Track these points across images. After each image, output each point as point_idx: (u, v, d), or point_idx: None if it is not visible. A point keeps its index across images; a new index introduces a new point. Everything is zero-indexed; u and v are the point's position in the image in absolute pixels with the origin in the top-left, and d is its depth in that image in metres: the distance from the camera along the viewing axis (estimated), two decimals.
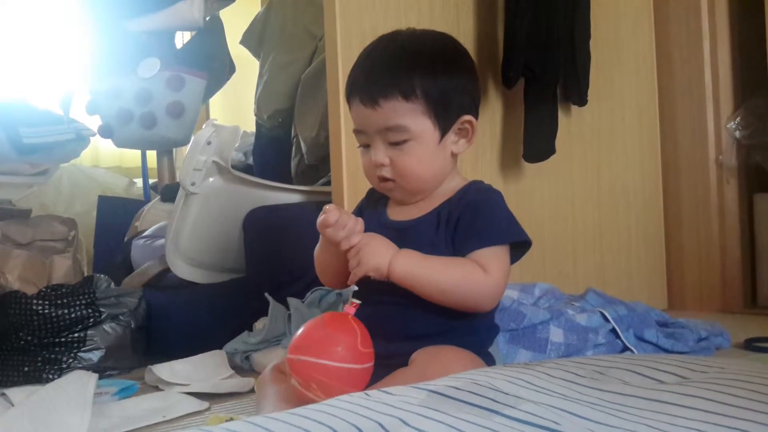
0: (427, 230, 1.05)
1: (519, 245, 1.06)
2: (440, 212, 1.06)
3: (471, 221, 1.03)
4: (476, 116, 1.09)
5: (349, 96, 1.07)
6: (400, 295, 1.00)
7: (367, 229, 1.09)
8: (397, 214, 1.10)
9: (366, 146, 1.07)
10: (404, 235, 1.05)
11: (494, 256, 1.02)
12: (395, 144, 1.03)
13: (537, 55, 1.86)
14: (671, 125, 2.34)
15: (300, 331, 0.98)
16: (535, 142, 1.92)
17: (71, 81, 2.61)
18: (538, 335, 1.41)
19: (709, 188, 2.26)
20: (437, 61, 1.05)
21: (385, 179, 1.06)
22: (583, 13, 1.99)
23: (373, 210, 1.13)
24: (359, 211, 1.16)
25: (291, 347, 0.96)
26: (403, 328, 1.03)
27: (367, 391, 0.78)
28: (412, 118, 1.02)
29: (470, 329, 1.05)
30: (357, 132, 1.08)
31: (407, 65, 1.03)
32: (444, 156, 1.07)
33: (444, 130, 1.05)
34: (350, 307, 0.98)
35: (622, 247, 2.23)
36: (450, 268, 1.00)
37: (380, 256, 0.98)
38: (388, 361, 0.98)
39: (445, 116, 1.04)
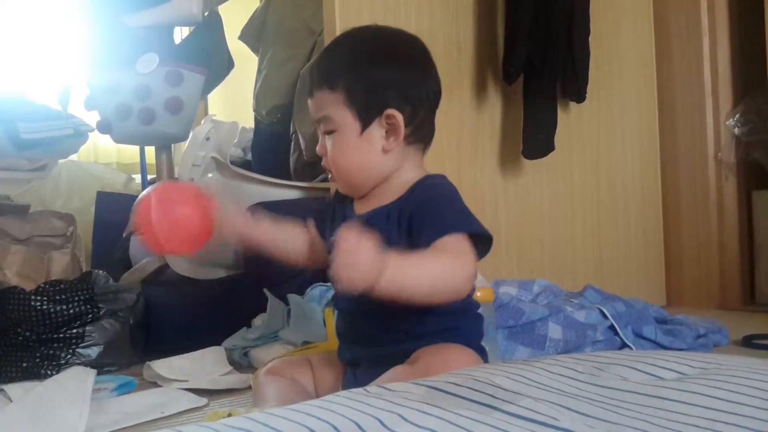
0: (380, 225, 1.00)
1: (481, 241, 1.00)
2: (391, 209, 1.03)
3: (422, 218, 0.99)
4: (409, 114, 1.03)
5: None
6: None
7: (335, 223, 1.08)
8: (359, 207, 1.09)
9: None
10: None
11: (455, 241, 0.96)
12: (328, 134, 1.05)
13: (538, 50, 1.86)
14: (670, 122, 2.34)
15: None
16: (535, 138, 1.92)
17: (69, 76, 2.61)
18: (537, 332, 1.41)
19: (708, 185, 2.26)
20: (367, 53, 1.05)
21: (325, 169, 1.09)
22: (583, 9, 1.99)
23: (341, 204, 1.12)
24: (330, 208, 1.15)
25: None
26: (389, 329, 1.02)
27: (366, 387, 0.78)
28: (336, 108, 1.03)
29: (454, 324, 1.03)
30: None
31: (336, 57, 1.06)
32: (370, 150, 1.03)
33: (365, 123, 1.03)
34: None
35: (620, 243, 2.23)
36: (430, 263, 0.94)
37: (363, 272, 0.86)
38: (382, 360, 0.97)
39: (366, 108, 1.02)
